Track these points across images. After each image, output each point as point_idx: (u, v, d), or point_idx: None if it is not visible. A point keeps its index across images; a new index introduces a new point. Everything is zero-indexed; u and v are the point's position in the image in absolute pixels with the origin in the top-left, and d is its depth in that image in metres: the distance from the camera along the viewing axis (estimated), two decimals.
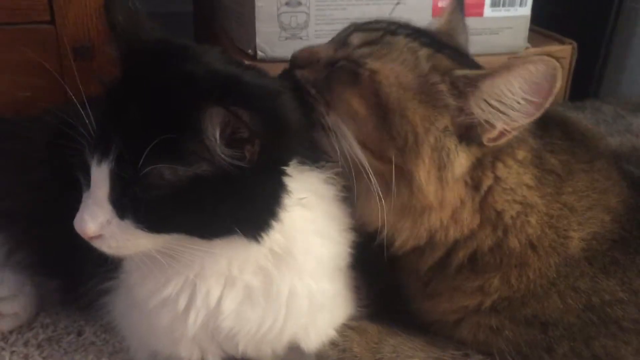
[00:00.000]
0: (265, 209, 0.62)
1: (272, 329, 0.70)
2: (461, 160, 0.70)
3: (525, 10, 1.20)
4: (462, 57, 0.77)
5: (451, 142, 0.70)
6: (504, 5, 1.19)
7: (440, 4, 1.12)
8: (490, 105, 0.67)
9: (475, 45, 0.89)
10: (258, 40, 1.07)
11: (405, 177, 0.71)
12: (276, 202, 0.63)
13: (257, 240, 0.62)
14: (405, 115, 0.69)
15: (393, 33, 0.75)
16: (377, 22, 0.79)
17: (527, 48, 1.23)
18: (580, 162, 0.77)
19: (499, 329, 0.76)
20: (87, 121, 0.59)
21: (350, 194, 0.74)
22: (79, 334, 0.89)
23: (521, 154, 0.73)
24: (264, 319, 0.69)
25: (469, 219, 0.73)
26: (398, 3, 1.11)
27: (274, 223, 0.63)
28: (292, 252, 0.68)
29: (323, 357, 0.77)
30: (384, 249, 0.75)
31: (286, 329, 0.71)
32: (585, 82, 1.43)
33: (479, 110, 0.68)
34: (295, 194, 0.64)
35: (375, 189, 0.71)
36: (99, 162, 0.58)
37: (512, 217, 0.73)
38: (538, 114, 0.67)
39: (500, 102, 0.67)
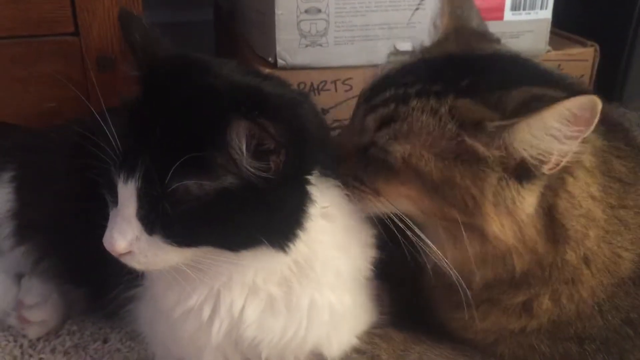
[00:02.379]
0: (291, 219, 0.62)
1: (294, 338, 0.70)
2: (529, 200, 0.66)
3: (546, 13, 1.19)
4: (487, 77, 0.70)
5: (511, 189, 0.65)
6: (524, 8, 1.18)
7: None
8: (533, 146, 0.63)
9: None
10: (278, 48, 1.07)
11: (475, 231, 0.67)
12: (301, 212, 0.63)
13: (284, 250, 0.63)
14: (455, 183, 0.65)
15: (405, 99, 0.68)
16: (383, 86, 0.72)
17: (548, 51, 1.22)
18: None
19: (538, 345, 0.74)
20: (110, 138, 0.60)
21: None
22: (105, 341, 0.90)
23: (588, 159, 0.69)
24: (286, 328, 0.69)
25: (542, 243, 0.69)
26: (417, 8, 1.11)
27: (300, 233, 0.63)
28: (312, 263, 0.68)
29: None
30: (407, 262, 0.73)
31: (308, 338, 0.71)
32: (608, 85, 1.41)
33: (524, 152, 0.63)
34: (318, 203, 0.64)
35: (443, 240, 0.69)
36: (126, 180, 0.59)
37: (575, 230, 0.69)
38: (586, 132, 0.62)
39: (543, 142, 0.62)
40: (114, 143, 0.60)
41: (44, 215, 0.88)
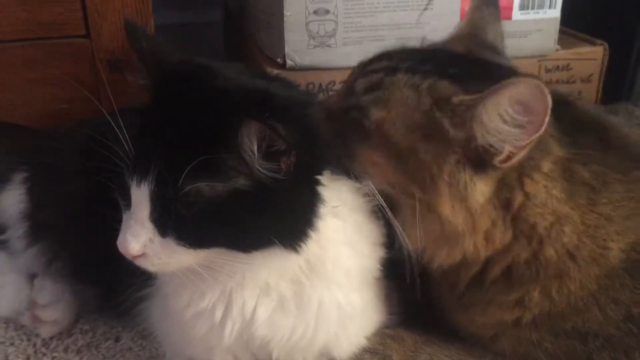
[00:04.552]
0: (302, 219, 0.63)
1: (303, 337, 0.71)
2: (481, 189, 0.69)
3: (555, 12, 1.18)
4: (476, 68, 0.75)
5: (465, 175, 0.69)
6: (532, 7, 1.18)
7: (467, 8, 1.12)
8: (487, 129, 0.66)
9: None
10: (287, 49, 1.08)
11: (434, 210, 0.70)
12: (312, 212, 0.63)
13: (295, 250, 0.63)
14: (418, 157, 0.69)
15: (393, 72, 0.73)
16: (380, 58, 0.78)
17: (557, 50, 1.21)
18: (615, 172, 0.75)
19: (539, 342, 0.75)
20: (122, 141, 0.61)
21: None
22: (117, 339, 0.91)
23: (546, 165, 0.72)
24: (295, 328, 0.70)
25: (501, 236, 0.72)
26: (425, 9, 1.11)
27: (311, 233, 0.63)
28: (323, 262, 0.68)
29: None
30: (418, 264, 0.75)
31: (317, 337, 0.71)
32: (617, 84, 1.41)
33: (480, 135, 0.67)
34: (329, 202, 0.65)
35: (408, 220, 0.72)
36: (139, 183, 0.60)
37: (545, 227, 0.72)
38: (540, 131, 0.65)
39: (495, 124, 0.66)
40: (126, 146, 0.61)
41: (57, 215, 0.89)
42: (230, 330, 0.70)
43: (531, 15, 1.18)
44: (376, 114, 0.71)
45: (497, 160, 0.68)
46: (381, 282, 0.79)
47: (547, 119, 0.63)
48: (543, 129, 0.64)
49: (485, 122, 0.66)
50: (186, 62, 0.67)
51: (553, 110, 0.64)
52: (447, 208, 0.69)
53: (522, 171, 0.71)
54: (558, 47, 1.21)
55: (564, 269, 0.73)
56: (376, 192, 0.73)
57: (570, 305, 0.73)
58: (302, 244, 0.63)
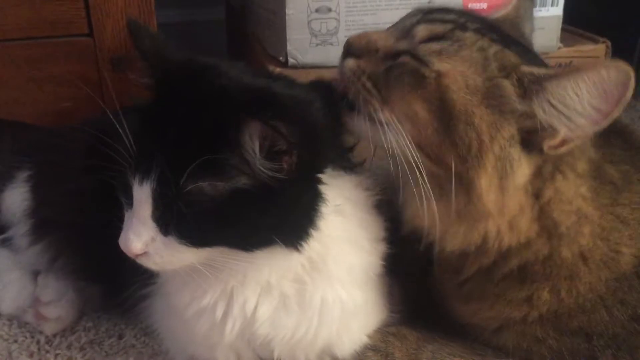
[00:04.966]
0: (304, 218, 0.63)
1: (305, 335, 0.71)
2: (524, 170, 0.67)
3: (558, 10, 1.18)
4: (530, 54, 0.73)
5: (516, 151, 0.66)
6: (535, 5, 1.17)
7: (470, 5, 1.12)
8: (554, 107, 0.64)
9: None
10: (289, 47, 1.08)
11: (464, 183, 0.67)
12: (314, 211, 0.63)
13: (297, 250, 0.63)
14: (471, 122, 0.66)
15: (463, 27, 0.70)
16: (446, 11, 0.74)
17: (559, 48, 1.21)
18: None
19: (544, 338, 0.75)
20: (125, 140, 0.61)
21: (387, 195, 0.74)
22: (120, 337, 0.91)
23: (581, 166, 0.70)
24: (297, 326, 0.70)
25: (526, 227, 0.69)
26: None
27: (312, 232, 0.64)
28: (325, 260, 0.69)
29: None
30: (420, 248, 0.73)
31: (319, 335, 0.72)
32: None
33: (542, 112, 0.65)
34: (331, 201, 0.65)
35: (427, 191, 0.67)
36: (141, 181, 0.60)
37: (567, 227, 0.70)
38: (604, 124, 0.63)
39: (565, 105, 0.63)
40: (128, 145, 0.61)
41: (60, 213, 0.89)
42: (231, 328, 0.70)
43: (533, 13, 1.18)
44: (438, 65, 0.67)
45: (548, 143, 0.66)
46: (383, 280, 0.79)
47: (618, 112, 0.61)
48: (609, 121, 0.62)
49: (554, 100, 0.64)
50: (189, 61, 0.67)
51: None
52: (485, 182, 0.66)
53: (558, 166, 0.69)
54: (560, 44, 1.21)
55: (576, 271, 0.72)
56: (396, 149, 0.68)
57: (578, 306, 0.73)
58: (304, 243, 0.63)
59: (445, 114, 0.66)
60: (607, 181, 0.72)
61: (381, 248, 0.75)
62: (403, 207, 0.73)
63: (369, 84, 0.69)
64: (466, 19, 0.71)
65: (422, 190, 0.68)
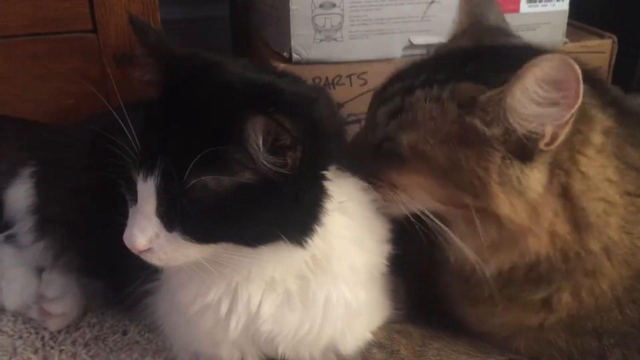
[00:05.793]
0: (308, 214, 0.63)
1: (309, 332, 0.71)
2: (535, 177, 0.66)
3: (563, 5, 1.17)
4: (492, 58, 0.73)
5: (515, 169, 0.66)
6: (541, 0, 1.17)
7: None
8: (522, 116, 0.64)
9: None
10: (293, 43, 1.07)
11: (489, 215, 0.68)
12: (319, 207, 0.63)
13: (302, 246, 0.63)
14: (460, 166, 0.67)
15: (410, 91, 0.72)
16: (392, 82, 0.76)
17: (565, 43, 1.20)
18: None
19: (555, 341, 0.74)
20: (129, 136, 0.61)
21: None
22: (124, 333, 0.91)
23: (596, 136, 0.68)
24: (301, 323, 0.70)
25: (563, 230, 0.68)
26: (432, 2, 1.10)
27: (317, 228, 0.63)
28: (329, 258, 0.68)
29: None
30: (422, 257, 0.75)
31: (323, 332, 0.71)
32: (626, 77, 1.40)
33: (516, 124, 0.65)
34: (335, 197, 0.65)
35: (463, 234, 0.70)
36: (145, 177, 0.60)
37: (597, 215, 0.68)
38: (578, 101, 0.62)
39: (529, 110, 0.64)
40: (132, 141, 0.61)
41: (64, 210, 0.89)
42: (236, 324, 0.70)
43: (539, 8, 1.17)
44: (406, 138, 0.70)
45: (542, 144, 0.65)
46: (387, 278, 0.79)
47: (581, 89, 0.61)
48: (580, 99, 0.62)
49: (519, 111, 0.64)
50: (193, 57, 0.67)
51: (589, 82, 0.62)
52: (506, 207, 0.66)
53: (573, 148, 0.67)
54: (566, 40, 1.20)
55: (599, 266, 0.70)
56: (429, 214, 0.71)
57: (597, 307, 0.72)
58: (308, 239, 0.63)
59: (437, 171, 0.69)
60: (630, 166, 0.70)
61: (386, 249, 0.75)
62: (450, 251, 0.74)
63: (374, 180, 0.73)
64: (411, 79, 0.73)
65: (460, 233, 0.71)
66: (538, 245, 0.69)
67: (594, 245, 0.69)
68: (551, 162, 0.67)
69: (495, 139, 0.66)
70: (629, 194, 0.70)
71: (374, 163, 0.74)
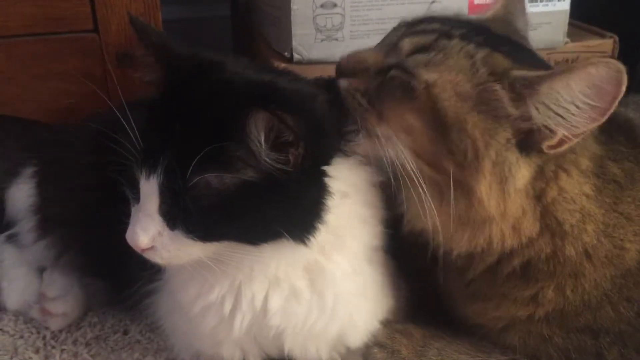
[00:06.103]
0: (310, 212, 0.63)
1: (318, 322, 0.70)
2: (523, 172, 0.67)
3: (565, 5, 1.17)
4: (521, 52, 0.72)
5: (513, 155, 0.66)
6: (542, 0, 1.17)
7: (476, 1, 1.11)
8: (549, 109, 0.63)
9: None
10: (294, 43, 1.07)
11: (464, 189, 0.67)
12: (321, 204, 0.63)
13: (304, 243, 0.63)
14: (464, 129, 0.65)
15: (447, 36, 0.70)
16: (429, 20, 0.74)
17: (566, 43, 1.20)
18: None
19: (550, 336, 0.75)
20: (131, 135, 0.61)
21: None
22: (125, 332, 0.92)
23: (584, 162, 0.70)
24: (309, 313, 0.70)
25: (529, 228, 0.70)
26: (433, 1, 1.10)
27: (319, 225, 0.64)
28: (334, 246, 0.68)
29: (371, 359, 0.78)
30: (427, 251, 0.73)
31: (332, 323, 0.71)
32: (627, 77, 1.39)
33: (537, 114, 0.64)
34: (338, 188, 0.65)
35: (428, 199, 0.68)
36: (148, 176, 0.60)
37: (571, 225, 0.70)
38: (602, 120, 0.62)
39: (560, 106, 0.63)
40: (134, 140, 0.61)
41: (66, 209, 0.89)
42: (240, 323, 0.70)
43: (540, 7, 1.17)
44: (426, 75, 0.67)
45: (546, 144, 0.65)
46: (389, 269, 0.79)
47: (613, 107, 0.61)
48: (606, 117, 0.62)
49: (549, 102, 0.63)
50: (194, 56, 0.67)
51: None
52: (484, 188, 0.66)
53: (561, 164, 0.69)
54: (567, 39, 1.20)
55: (580, 268, 0.71)
56: (395, 160, 0.69)
57: (583, 303, 0.73)
58: (311, 237, 0.63)
59: (438, 123, 0.67)
60: (610, 180, 0.72)
61: (388, 233, 0.75)
62: (406, 213, 0.73)
63: (363, 101, 0.70)
64: (451, 26, 0.71)
65: (423, 197, 0.68)
66: (500, 235, 0.69)
67: (570, 252, 0.71)
68: (539, 166, 0.68)
69: (510, 118, 0.65)
70: (607, 204, 0.71)
71: (370, 84, 0.71)
